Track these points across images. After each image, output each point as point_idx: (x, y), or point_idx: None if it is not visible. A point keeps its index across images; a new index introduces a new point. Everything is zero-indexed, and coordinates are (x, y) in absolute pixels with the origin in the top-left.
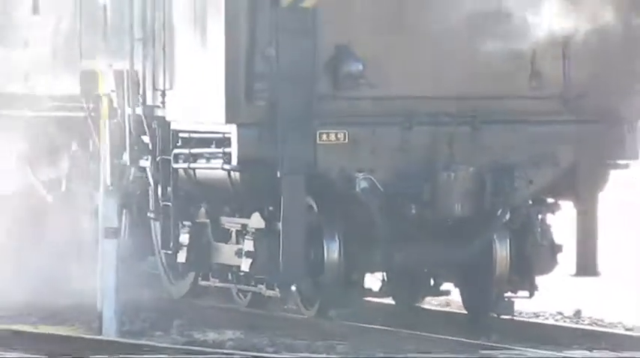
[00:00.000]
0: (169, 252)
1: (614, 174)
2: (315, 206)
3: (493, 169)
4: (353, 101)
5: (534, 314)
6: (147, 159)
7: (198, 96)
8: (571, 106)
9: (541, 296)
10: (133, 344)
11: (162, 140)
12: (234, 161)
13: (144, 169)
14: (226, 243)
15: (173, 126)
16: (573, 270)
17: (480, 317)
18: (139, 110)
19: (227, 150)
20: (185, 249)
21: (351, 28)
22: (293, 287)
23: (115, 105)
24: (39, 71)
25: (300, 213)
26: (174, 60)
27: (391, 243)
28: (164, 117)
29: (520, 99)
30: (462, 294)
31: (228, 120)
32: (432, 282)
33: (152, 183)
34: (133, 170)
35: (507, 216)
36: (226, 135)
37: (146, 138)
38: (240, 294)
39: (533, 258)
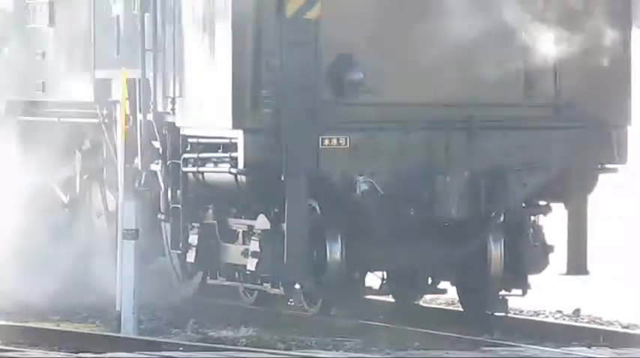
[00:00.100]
0: (179, 252)
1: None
2: (317, 208)
3: (488, 173)
4: (354, 108)
5: (535, 312)
6: (157, 164)
7: (206, 103)
8: (562, 114)
9: (541, 295)
10: (151, 342)
11: (172, 145)
12: (241, 165)
13: (155, 173)
14: (233, 243)
15: (182, 132)
16: (564, 270)
17: (476, 314)
18: (150, 116)
19: (234, 154)
20: (194, 249)
21: (353, 39)
22: (297, 286)
23: (128, 111)
24: (55, 80)
25: (303, 215)
26: (184, 69)
27: (391, 244)
28: (174, 123)
29: (514, 107)
30: (458, 292)
31: (235, 126)
32: (429, 281)
33: (162, 187)
34: (144, 174)
35: (501, 218)
36: (233, 141)
37: (157, 143)
38: (247, 292)
39: (526, 257)
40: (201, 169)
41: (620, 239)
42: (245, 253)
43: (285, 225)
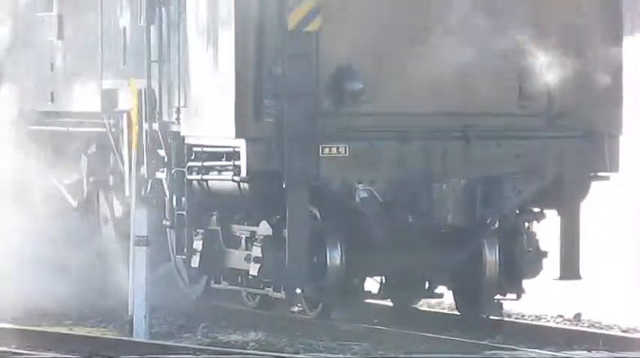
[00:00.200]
0: (184, 257)
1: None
2: (318, 215)
3: (483, 181)
4: (353, 117)
5: (536, 316)
6: (163, 172)
7: (210, 112)
8: (555, 123)
9: (542, 299)
10: (162, 345)
11: (177, 153)
12: (244, 173)
13: (160, 181)
14: (236, 248)
15: (187, 141)
16: (557, 274)
17: (472, 317)
18: (155, 126)
19: (237, 162)
20: (198, 254)
21: (352, 50)
22: (298, 290)
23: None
24: (63, 90)
25: (304, 222)
26: (189, 79)
27: (389, 249)
28: (179, 133)
29: (508, 117)
30: (454, 297)
31: (238, 135)
32: (427, 285)
33: (168, 194)
34: (150, 181)
35: (496, 225)
36: (236, 149)
37: (162, 152)
38: (250, 296)
39: (520, 263)
40: (205, 177)
41: (616, 243)
42: (248, 258)
43: (286, 232)
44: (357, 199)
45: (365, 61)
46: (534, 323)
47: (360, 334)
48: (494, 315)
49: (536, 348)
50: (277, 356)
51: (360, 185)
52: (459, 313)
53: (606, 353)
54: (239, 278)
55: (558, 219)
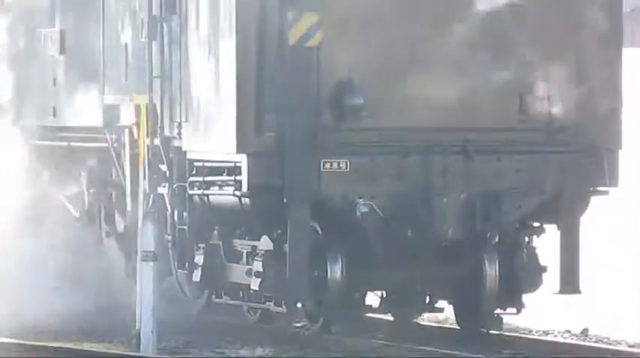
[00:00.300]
0: (185, 271)
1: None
2: (319, 229)
3: (483, 195)
4: (354, 132)
5: (544, 332)
6: (164, 187)
7: (211, 128)
8: (555, 138)
9: (549, 314)
10: None
11: (178, 168)
12: (245, 188)
13: (162, 195)
14: (238, 263)
15: (188, 156)
16: (557, 289)
17: (472, 332)
18: (157, 141)
19: (238, 177)
20: (200, 268)
21: (353, 65)
22: (299, 305)
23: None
24: (65, 105)
25: (305, 236)
26: (190, 94)
27: (389, 264)
28: (180, 148)
29: (508, 132)
30: (454, 311)
31: (239, 150)
32: (427, 300)
33: (169, 209)
34: (152, 196)
35: (496, 239)
36: (237, 164)
37: (164, 167)
38: (251, 311)
39: (520, 277)
40: (206, 192)
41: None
42: (249, 273)
43: (287, 246)
44: (357, 214)
45: (366, 76)
46: (542, 338)
47: (363, 349)
48: (494, 330)
49: None
50: None
51: (360, 200)
52: (459, 327)
53: None
54: (240, 292)
55: (558, 233)
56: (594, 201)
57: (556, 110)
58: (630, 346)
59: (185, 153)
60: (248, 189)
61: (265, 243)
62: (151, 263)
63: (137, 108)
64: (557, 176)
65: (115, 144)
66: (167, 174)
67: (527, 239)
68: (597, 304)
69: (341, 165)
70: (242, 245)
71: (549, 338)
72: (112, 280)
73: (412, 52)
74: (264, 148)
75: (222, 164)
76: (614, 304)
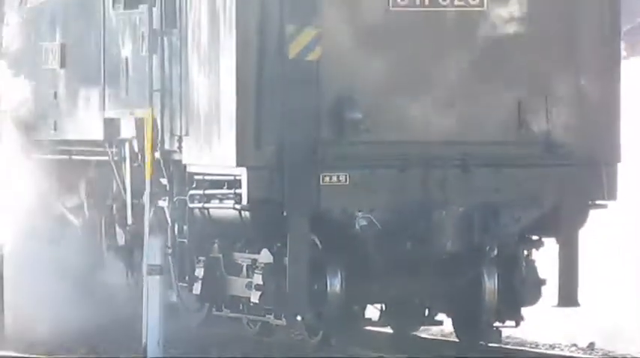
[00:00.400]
0: (185, 284)
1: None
2: (318, 243)
3: (482, 209)
4: (353, 146)
5: (550, 346)
6: (165, 200)
7: (211, 141)
8: (553, 152)
9: (555, 328)
10: None
11: (178, 182)
12: (245, 201)
13: (162, 209)
14: (238, 276)
15: (189, 169)
16: (555, 302)
17: (470, 344)
18: (157, 154)
19: (238, 191)
20: (200, 281)
21: (352, 79)
22: (298, 318)
23: (136, 149)
24: (66, 119)
25: (305, 250)
26: (190, 108)
27: (389, 277)
28: (180, 161)
29: (507, 145)
30: (453, 324)
31: (239, 164)
32: (426, 313)
33: (170, 222)
34: (152, 210)
35: (495, 252)
36: (237, 178)
37: (164, 180)
38: (250, 323)
39: (519, 290)
40: (206, 205)
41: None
42: (249, 286)
43: (287, 259)
44: (357, 227)
45: (365, 90)
46: (549, 352)
47: None
48: (493, 343)
49: None
50: None
51: (359, 213)
52: (458, 340)
53: None
54: (240, 305)
55: (557, 246)
56: (595, 213)
57: (555, 124)
58: None
59: (185, 166)
60: (248, 202)
61: (265, 256)
62: (157, 276)
63: (138, 121)
64: (555, 189)
65: (116, 158)
66: (167, 187)
67: (526, 252)
68: (596, 317)
69: (340, 179)
70: (242, 258)
71: (556, 351)
72: (115, 293)
73: (411, 67)
74: (264, 162)
75: (223, 177)
76: (615, 317)
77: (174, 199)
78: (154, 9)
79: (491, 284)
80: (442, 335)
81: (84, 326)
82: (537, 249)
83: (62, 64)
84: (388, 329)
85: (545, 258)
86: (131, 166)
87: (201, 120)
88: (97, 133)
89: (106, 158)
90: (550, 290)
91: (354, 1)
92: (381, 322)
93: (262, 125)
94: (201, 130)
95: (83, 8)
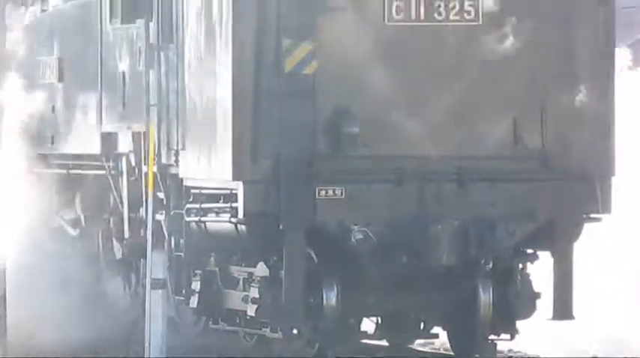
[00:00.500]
0: (182, 298)
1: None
2: (314, 256)
3: (477, 223)
4: (350, 160)
5: None
6: (162, 214)
7: (207, 155)
8: (548, 166)
9: (554, 341)
10: None
11: (175, 195)
12: (241, 215)
13: (159, 222)
14: (234, 289)
15: (185, 183)
16: (550, 315)
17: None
18: (154, 168)
19: (234, 204)
20: (197, 295)
21: (349, 93)
22: (295, 331)
23: (133, 163)
24: (63, 133)
25: (301, 263)
26: (186, 123)
27: (384, 290)
28: (177, 175)
29: (502, 160)
30: (448, 337)
31: (235, 178)
32: (422, 326)
33: (166, 235)
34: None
35: (490, 266)
36: (233, 191)
37: (161, 194)
38: (247, 337)
39: (514, 304)
40: (203, 219)
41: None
42: (245, 299)
43: (283, 273)
44: (352, 240)
45: (361, 104)
46: None
47: None
48: (488, 356)
49: None
50: None
51: (355, 226)
52: (453, 353)
53: None
54: (237, 318)
55: (552, 260)
56: (591, 226)
57: (550, 138)
58: None
59: (182, 180)
60: (244, 216)
61: (261, 270)
62: (160, 290)
63: (136, 135)
64: (550, 203)
65: (113, 172)
66: (164, 201)
67: (521, 265)
68: (591, 330)
69: (336, 193)
70: (238, 271)
71: None
72: (114, 307)
73: (407, 81)
74: (260, 176)
75: (219, 191)
76: (610, 329)
77: (171, 213)
78: (151, 24)
79: (486, 297)
80: (437, 348)
81: (84, 338)
82: (532, 263)
83: (60, 78)
84: (384, 342)
85: (541, 271)
86: (128, 180)
87: (198, 134)
88: (95, 147)
89: (104, 172)
90: (545, 304)
91: (350, 15)
92: (376, 335)
93: (258, 139)
94: (198, 144)
95: (80, 23)
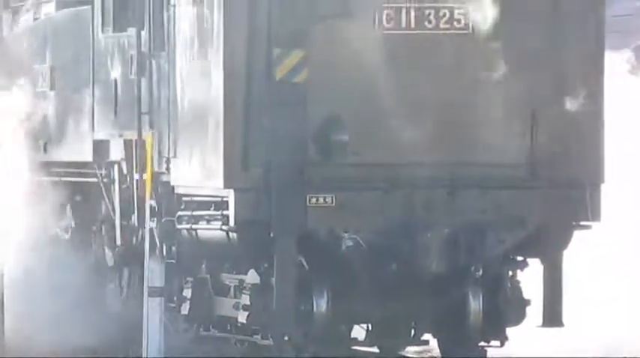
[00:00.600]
0: (174, 305)
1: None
2: (305, 263)
3: (467, 230)
4: (340, 168)
5: None
6: (153, 221)
7: (199, 163)
8: (538, 173)
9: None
10: None
11: (167, 203)
12: (232, 222)
13: (151, 230)
14: (225, 296)
15: (177, 191)
16: (540, 322)
17: None
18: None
19: (225, 212)
20: (188, 302)
21: (339, 101)
22: (285, 338)
23: (125, 171)
24: (55, 141)
25: (291, 270)
26: (178, 130)
27: (375, 297)
28: (169, 182)
29: (492, 167)
30: (439, 344)
31: (226, 186)
32: (412, 333)
33: (158, 243)
34: (140, 231)
35: (480, 273)
36: (224, 199)
37: (152, 202)
38: (238, 343)
39: (503, 311)
40: (194, 226)
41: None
42: (236, 306)
43: (274, 280)
44: (343, 248)
45: (352, 112)
46: None
47: None
48: None
49: None
50: None
51: (346, 234)
52: None
53: None
54: (228, 325)
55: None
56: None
57: (539, 146)
58: None
59: (173, 187)
60: (235, 223)
61: (252, 277)
62: (158, 298)
63: (128, 143)
64: (540, 211)
65: (105, 179)
66: (156, 208)
67: (510, 273)
68: (580, 337)
69: (327, 200)
70: (230, 278)
71: None
72: (106, 314)
73: (397, 89)
74: (251, 183)
75: (210, 199)
76: (599, 336)
77: (163, 220)
78: (143, 32)
79: (476, 304)
80: (428, 355)
81: (79, 345)
82: (522, 270)
83: (52, 86)
84: (374, 349)
85: (530, 278)
86: (120, 188)
87: (189, 141)
88: (87, 155)
89: (95, 179)
90: (535, 310)
91: (341, 24)
92: (367, 342)
93: (249, 147)
94: (189, 152)
95: (73, 31)
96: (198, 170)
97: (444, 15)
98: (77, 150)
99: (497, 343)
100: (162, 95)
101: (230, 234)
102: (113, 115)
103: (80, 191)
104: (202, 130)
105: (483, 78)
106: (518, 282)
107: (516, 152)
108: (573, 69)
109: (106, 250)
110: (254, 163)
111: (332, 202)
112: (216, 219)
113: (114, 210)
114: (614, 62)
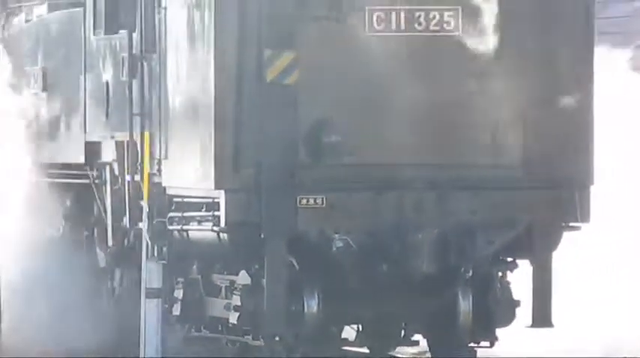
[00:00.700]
0: (165, 305)
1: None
2: (295, 264)
3: (457, 231)
4: (331, 169)
5: None
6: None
7: (190, 164)
8: (528, 175)
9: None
10: None
11: (158, 204)
12: (223, 223)
13: (141, 231)
14: (216, 297)
15: (168, 192)
16: (529, 322)
17: None
18: (137, 177)
19: (216, 213)
20: (179, 303)
21: (330, 103)
22: (276, 338)
23: (117, 173)
24: (47, 142)
25: (282, 271)
26: (169, 132)
27: (365, 298)
28: (160, 184)
29: (482, 168)
30: (428, 344)
31: (217, 187)
32: (402, 333)
33: (150, 244)
34: (132, 232)
35: (470, 274)
36: (215, 200)
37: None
38: (229, 344)
39: (493, 311)
40: (185, 227)
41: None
42: (227, 307)
43: (265, 281)
44: (333, 249)
45: (342, 114)
46: None
47: None
48: None
49: None
50: None
51: (336, 235)
52: None
53: None
54: (219, 326)
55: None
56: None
57: (529, 147)
58: None
59: (165, 189)
60: (226, 224)
61: (243, 278)
62: (155, 300)
63: (119, 145)
64: (529, 212)
65: (97, 181)
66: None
67: (500, 273)
68: (570, 337)
69: (317, 201)
70: (221, 279)
71: None
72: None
73: (388, 90)
74: (242, 184)
75: (201, 200)
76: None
77: (154, 221)
78: (134, 34)
79: (466, 305)
80: (418, 355)
81: (75, 347)
82: (511, 271)
83: (44, 88)
84: (365, 350)
85: (520, 279)
86: (112, 189)
87: (180, 143)
88: (79, 157)
89: (87, 181)
90: (524, 311)
91: (332, 25)
92: (357, 342)
93: (240, 148)
94: (180, 153)
95: (64, 33)
96: (190, 171)
97: (434, 17)
98: (69, 151)
99: (487, 343)
100: (154, 97)
101: (221, 234)
102: (105, 117)
103: (72, 192)
104: (193, 132)
105: (473, 80)
106: (507, 283)
107: (507, 153)
108: (564, 70)
109: (98, 251)
110: (245, 164)
111: (322, 203)
112: (207, 220)
113: (105, 212)
114: (614, 62)
